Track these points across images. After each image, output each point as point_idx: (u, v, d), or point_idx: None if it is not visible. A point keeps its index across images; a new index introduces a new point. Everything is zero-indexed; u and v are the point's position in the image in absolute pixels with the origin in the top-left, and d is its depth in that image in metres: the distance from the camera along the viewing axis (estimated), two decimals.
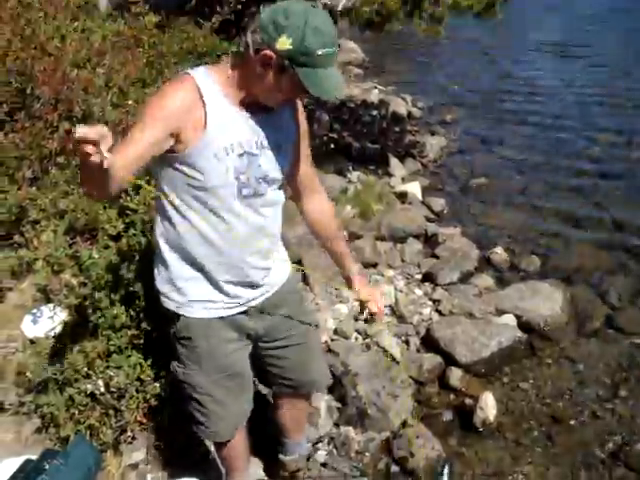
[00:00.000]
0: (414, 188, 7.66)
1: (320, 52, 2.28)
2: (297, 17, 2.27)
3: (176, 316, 2.74)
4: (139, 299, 3.44)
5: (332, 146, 8.65)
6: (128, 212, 4.09)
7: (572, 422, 4.43)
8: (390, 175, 8.16)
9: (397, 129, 9.82)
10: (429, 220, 7.02)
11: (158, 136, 2.34)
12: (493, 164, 8.99)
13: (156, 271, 2.76)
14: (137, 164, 2.32)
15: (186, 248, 2.58)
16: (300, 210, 3.04)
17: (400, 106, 11.00)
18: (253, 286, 2.76)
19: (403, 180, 8.10)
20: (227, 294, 2.70)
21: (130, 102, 4.49)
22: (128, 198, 4.11)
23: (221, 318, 2.74)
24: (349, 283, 3.16)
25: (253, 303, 2.80)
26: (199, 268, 2.64)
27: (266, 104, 2.50)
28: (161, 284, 2.74)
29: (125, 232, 4.05)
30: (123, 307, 3.39)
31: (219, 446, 3.20)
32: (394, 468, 4.02)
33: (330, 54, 2.32)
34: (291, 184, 2.90)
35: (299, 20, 2.26)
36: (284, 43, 2.27)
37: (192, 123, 2.38)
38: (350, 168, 8.12)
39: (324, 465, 3.90)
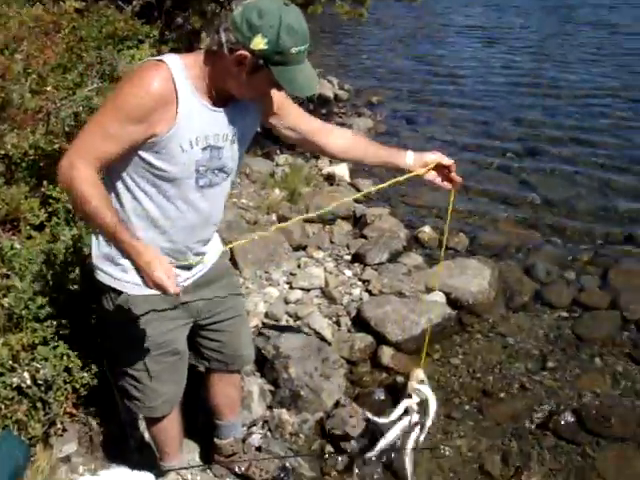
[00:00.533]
0: (342, 170, 7.65)
1: (294, 50, 2.32)
2: (271, 16, 2.27)
3: (115, 292, 2.73)
4: (64, 289, 3.36)
5: (258, 130, 8.57)
6: (51, 201, 4.00)
7: (502, 395, 4.49)
8: (318, 158, 8.13)
9: (324, 111, 9.80)
10: (357, 201, 7.01)
11: (139, 134, 2.37)
12: (419, 145, 8.98)
13: (95, 247, 2.74)
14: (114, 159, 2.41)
15: (131, 229, 2.51)
16: (330, 154, 3.16)
17: (326, 89, 10.98)
18: (190, 268, 2.80)
19: (331, 162, 8.07)
20: None
21: (49, 88, 4.37)
22: (50, 186, 4.02)
23: (161, 295, 2.69)
24: (416, 166, 3.01)
25: (190, 281, 2.82)
26: None
27: (240, 99, 2.52)
28: (100, 259, 2.72)
29: (48, 221, 3.96)
30: (47, 298, 3.30)
31: (154, 425, 3.20)
32: (329, 448, 4.02)
33: (303, 51, 2.36)
34: (306, 143, 3.04)
35: (273, 19, 2.27)
36: (259, 43, 2.28)
37: (165, 114, 2.38)
38: (278, 151, 8.08)
39: (259, 449, 3.88)
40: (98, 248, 2.72)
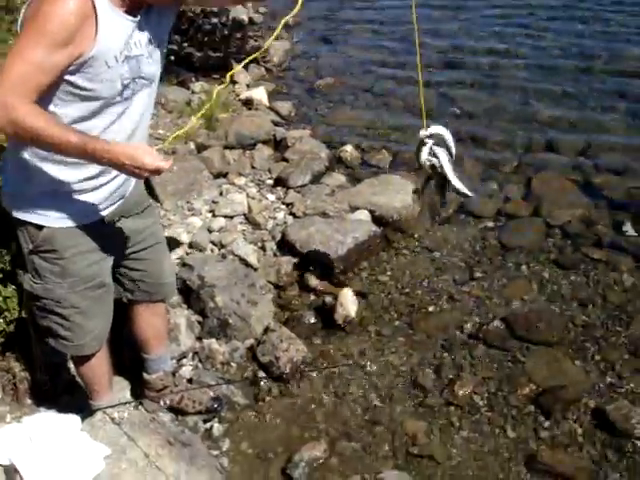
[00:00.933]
0: (260, 94, 7.48)
1: None
2: None
3: (35, 228, 2.62)
4: None
5: (172, 58, 8.31)
6: None
7: (431, 308, 4.52)
8: (234, 82, 7.94)
9: (239, 35, 9.53)
10: (277, 125, 6.87)
11: (68, 58, 2.24)
12: (339, 64, 8.85)
13: (7, 185, 2.65)
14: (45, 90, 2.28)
15: (56, 157, 2.42)
16: None
17: (241, 13, 10.67)
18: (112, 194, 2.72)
19: (248, 87, 7.89)
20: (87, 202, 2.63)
21: None
22: None
23: (84, 226, 2.66)
24: None
25: (111, 209, 2.75)
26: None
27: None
28: (15, 197, 2.63)
29: None
30: None
31: (82, 364, 3.11)
32: (261, 374, 4.01)
33: None
34: None
35: None
36: None
37: (87, 31, 2.25)
38: (193, 79, 7.85)
39: (190, 381, 3.84)
40: (12, 186, 2.63)
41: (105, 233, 2.78)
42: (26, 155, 2.49)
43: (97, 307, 2.89)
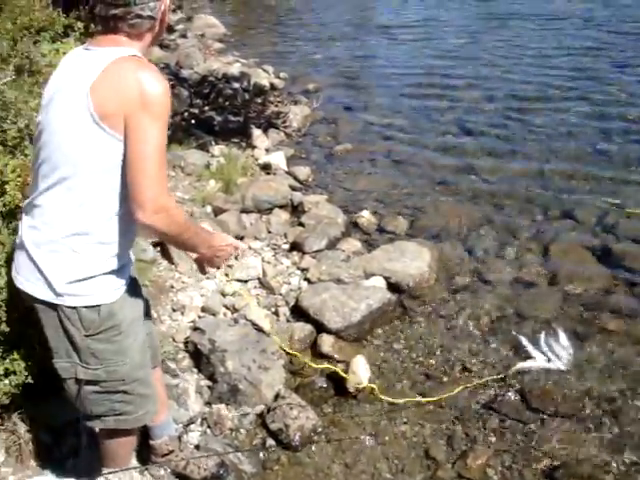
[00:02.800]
0: (278, 158, 7.55)
1: None
2: None
3: (92, 309, 2.57)
4: None
5: (193, 121, 8.43)
6: None
7: (445, 378, 4.44)
8: (253, 147, 8.02)
9: (259, 100, 9.68)
10: (294, 189, 6.92)
11: None
12: (357, 130, 8.97)
13: (64, 272, 2.54)
14: None
15: (122, 237, 2.56)
16: None
17: (262, 78, 10.88)
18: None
19: (267, 151, 7.97)
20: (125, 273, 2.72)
21: None
22: None
23: (125, 290, 2.70)
24: None
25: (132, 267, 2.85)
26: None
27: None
28: (71, 285, 2.54)
29: None
30: None
31: (129, 435, 3.05)
32: (270, 442, 3.92)
33: None
34: None
35: None
36: None
37: None
38: (212, 142, 7.93)
39: (197, 447, 3.76)
40: (68, 275, 2.54)
41: (136, 292, 2.82)
42: (93, 240, 2.52)
43: (149, 371, 2.92)
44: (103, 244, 2.53)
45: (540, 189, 6.99)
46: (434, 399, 4.17)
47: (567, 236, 6.07)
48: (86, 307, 2.56)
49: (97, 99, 2.33)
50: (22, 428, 3.50)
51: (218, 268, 3.03)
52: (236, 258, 2.77)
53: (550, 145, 8.12)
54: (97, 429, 3.06)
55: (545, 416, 4.10)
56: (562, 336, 4.64)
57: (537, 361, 4.39)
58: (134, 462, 3.59)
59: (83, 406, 2.80)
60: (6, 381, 3.17)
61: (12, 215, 4.06)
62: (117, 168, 2.41)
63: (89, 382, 2.72)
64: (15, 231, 3.94)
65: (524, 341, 4.54)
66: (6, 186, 3.86)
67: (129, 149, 2.33)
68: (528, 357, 4.46)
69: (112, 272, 2.59)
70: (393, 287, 5.26)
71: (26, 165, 4.02)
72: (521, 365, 4.34)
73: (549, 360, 4.40)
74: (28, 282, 2.59)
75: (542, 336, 4.59)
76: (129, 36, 2.46)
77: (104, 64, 2.35)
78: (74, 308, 2.56)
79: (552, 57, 12.07)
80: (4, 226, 3.95)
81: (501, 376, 4.35)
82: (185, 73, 10.63)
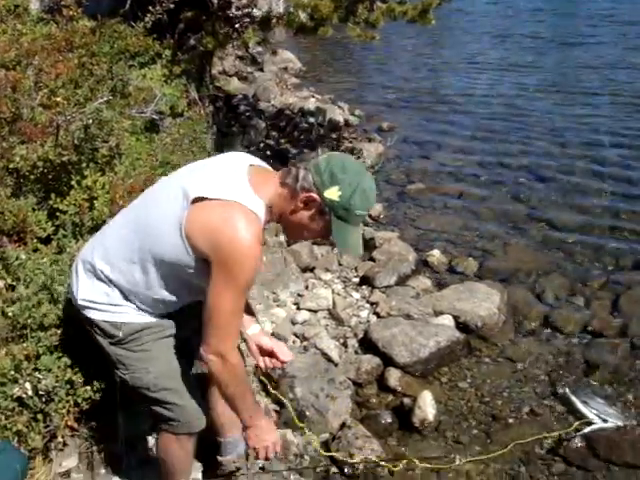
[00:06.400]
0: None
1: (359, 212, 2.52)
2: (353, 175, 2.47)
3: (118, 323, 2.76)
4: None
5: (268, 152, 8.59)
6: (58, 214, 3.98)
7: (510, 420, 4.44)
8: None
9: (334, 136, 9.80)
10: (366, 225, 6.98)
11: None
12: (430, 170, 9.01)
13: (99, 289, 2.78)
14: None
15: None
16: None
17: (337, 114, 10.98)
18: None
19: None
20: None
21: (59, 99, 4.35)
22: (58, 199, 4.00)
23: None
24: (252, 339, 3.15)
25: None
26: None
27: (285, 235, 2.97)
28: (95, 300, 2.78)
29: (55, 234, 3.94)
30: (52, 305, 3.26)
31: (184, 444, 3.09)
32: (333, 470, 3.96)
33: (364, 216, 2.60)
34: None
35: (354, 178, 2.46)
36: (333, 194, 2.46)
37: None
38: None
39: (262, 469, 3.82)
40: (105, 292, 2.78)
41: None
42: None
43: (186, 385, 2.93)
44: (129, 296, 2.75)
45: (613, 239, 6.93)
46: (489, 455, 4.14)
47: (639, 286, 6.00)
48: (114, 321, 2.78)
49: (190, 225, 2.51)
50: (96, 436, 3.60)
51: (257, 458, 3.04)
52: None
53: (625, 195, 8.04)
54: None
55: (611, 465, 4.06)
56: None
57: (597, 424, 4.34)
58: (199, 477, 3.67)
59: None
60: (87, 387, 3.27)
61: (99, 229, 4.21)
62: (179, 268, 2.61)
63: (129, 387, 2.89)
64: None
65: (578, 404, 4.48)
66: (95, 202, 4.01)
67: (208, 292, 2.52)
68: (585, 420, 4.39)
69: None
70: (461, 326, 5.28)
71: (114, 183, 4.19)
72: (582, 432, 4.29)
73: (605, 421, 4.35)
74: None
75: (594, 398, 4.55)
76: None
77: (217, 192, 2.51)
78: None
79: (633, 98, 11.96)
80: None
81: (567, 431, 4.31)
82: (262, 105, 10.82)
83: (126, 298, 2.75)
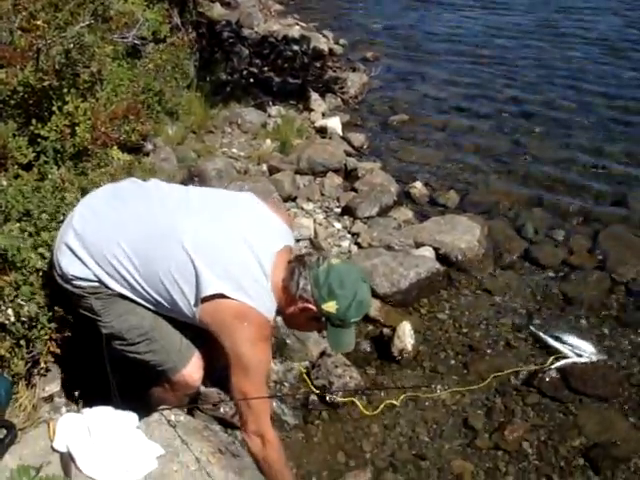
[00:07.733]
0: (334, 123, 7.58)
1: (353, 320, 2.70)
2: (349, 290, 2.62)
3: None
4: (50, 230, 3.29)
5: (252, 80, 8.48)
6: (39, 140, 3.93)
7: (488, 350, 4.49)
8: (310, 110, 8.05)
9: (318, 65, 9.68)
10: (349, 155, 6.95)
11: None
12: (414, 101, 8.96)
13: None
14: None
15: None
16: None
17: (321, 42, 10.85)
18: None
19: (323, 115, 8.00)
20: None
21: (39, 22, 4.24)
22: (39, 125, 3.94)
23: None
24: None
25: None
26: None
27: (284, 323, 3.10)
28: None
29: (36, 161, 3.89)
30: (34, 237, 3.23)
31: (182, 398, 3.15)
32: (312, 397, 4.00)
33: (359, 320, 2.77)
34: None
35: (350, 293, 2.61)
36: (330, 307, 2.62)
37: None
38: (270, 103, 7.96)
39: None
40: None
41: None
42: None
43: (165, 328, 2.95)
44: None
45: (594, 175, 6.96)
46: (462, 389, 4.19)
47: (618, 223, 6.04)
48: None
49: (204, 314, 2.68)
50: (79, 361, 3.60)
51: None
52: None
53: (609, 132, 8.04)
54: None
55: (583, 397, 4.13)
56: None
57: (571, 358, 4.40)
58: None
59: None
60: (70, 316, 3.24)
61: (80, 156, 4.17)
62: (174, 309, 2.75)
63: (113, 337, 2.91)
64: (84, 172, 4.06)
65: (549, 340, 4.52)
66: (76, 128, 3.96)
67: (231, 376, 2.68)
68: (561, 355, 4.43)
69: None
70: (442, 258, 5.30)
71: (96, 109, 4.13)
72: (557, 365, 4.33)
73: (580, 355, 4.41)
74: None
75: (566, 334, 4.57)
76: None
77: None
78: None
79: (613, 40, 11.88)
80: (73, 166, 4.06)
81: (541, 367, 4.35)
82: (246, 32, 10.65)
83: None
